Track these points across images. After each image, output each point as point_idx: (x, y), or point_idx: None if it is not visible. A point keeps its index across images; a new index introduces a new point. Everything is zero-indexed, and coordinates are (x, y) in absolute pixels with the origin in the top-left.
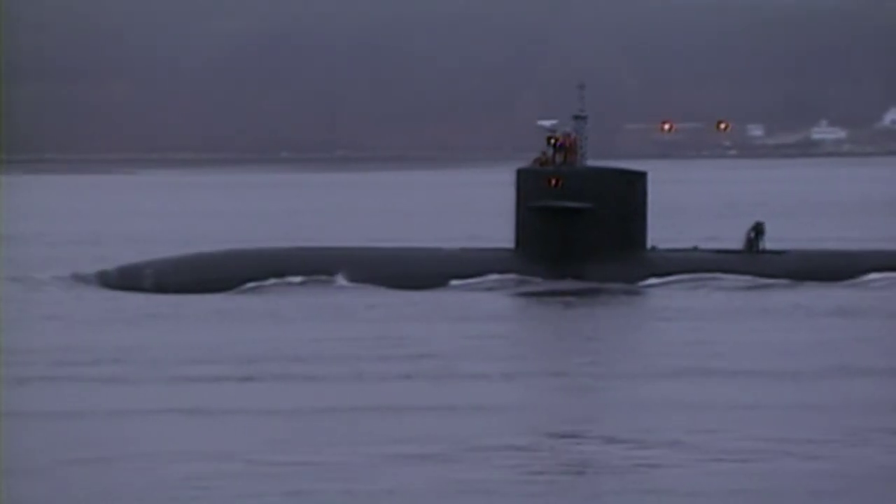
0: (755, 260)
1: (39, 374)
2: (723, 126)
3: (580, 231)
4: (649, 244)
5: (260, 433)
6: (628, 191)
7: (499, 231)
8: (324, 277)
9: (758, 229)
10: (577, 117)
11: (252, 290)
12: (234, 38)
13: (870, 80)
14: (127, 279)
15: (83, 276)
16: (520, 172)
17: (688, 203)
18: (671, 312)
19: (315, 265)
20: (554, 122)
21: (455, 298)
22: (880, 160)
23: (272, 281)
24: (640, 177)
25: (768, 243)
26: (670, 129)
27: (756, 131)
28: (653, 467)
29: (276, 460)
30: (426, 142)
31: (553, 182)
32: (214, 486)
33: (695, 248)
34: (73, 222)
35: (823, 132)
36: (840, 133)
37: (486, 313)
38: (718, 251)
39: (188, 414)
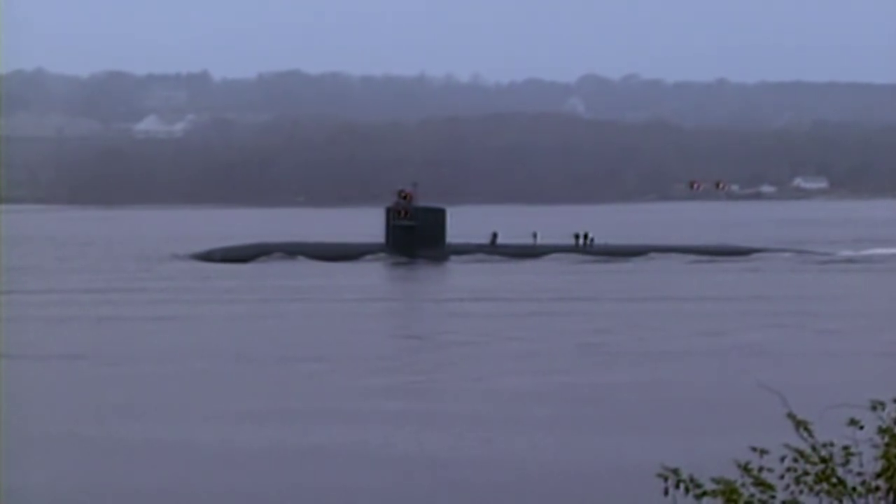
0: (494, 248)
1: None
2: (720, 185)
3: (414, 236)
4: (447, 241)
5: (273, 332)
6: (435, 217)
7: (378, 235)
8: (293, 255)
9: (495, 234)
10: (414, 184)
11: (259, 260)
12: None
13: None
14: (205, 256)
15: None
16: (387, 209)
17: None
18: (455, 269)
19: (290, 249)
20: (403, 187)
21: (358, 265)
22: (795, 203)
23: (265, 256)
24: (441, 211)
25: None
26: (697, 187)
27: (734, 187)
28: (461, 342)
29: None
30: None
31: (402, 213)
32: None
33: (467, 243)
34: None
35: (765, 188)
36: (772, 189)
37: (371, 271)
38: (479, 245)
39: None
